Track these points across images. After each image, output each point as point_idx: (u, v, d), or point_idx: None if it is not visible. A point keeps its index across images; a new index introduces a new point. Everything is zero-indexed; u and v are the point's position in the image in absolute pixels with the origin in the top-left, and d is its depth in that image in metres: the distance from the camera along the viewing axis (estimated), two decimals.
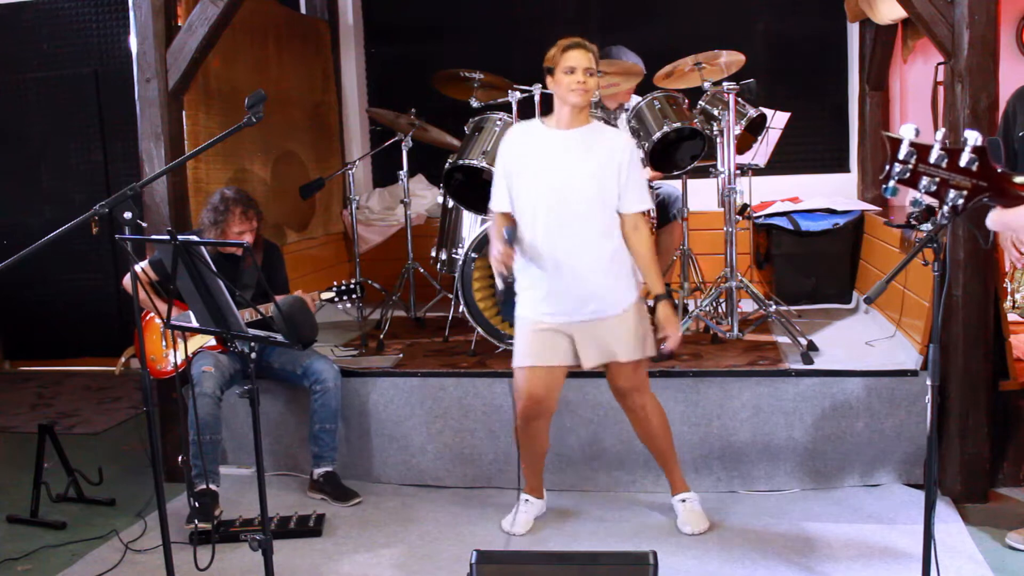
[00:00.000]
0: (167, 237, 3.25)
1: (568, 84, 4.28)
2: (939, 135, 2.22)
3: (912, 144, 2.22)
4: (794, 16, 7.92)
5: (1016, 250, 4.20)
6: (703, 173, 6.30)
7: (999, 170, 2.21)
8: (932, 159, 2.22)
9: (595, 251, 4.42)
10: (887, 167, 2.26)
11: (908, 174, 2.25)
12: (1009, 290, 4.34)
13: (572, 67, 4.27)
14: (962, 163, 2.20)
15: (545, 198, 4.40)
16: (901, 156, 2.24)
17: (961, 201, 2.23)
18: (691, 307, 6.25)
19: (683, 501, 4.80)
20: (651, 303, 4.53)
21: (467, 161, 5.84)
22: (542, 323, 4.48)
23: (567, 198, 4.37)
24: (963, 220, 2.56)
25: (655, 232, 6.33)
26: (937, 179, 2.23)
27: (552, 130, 4.45)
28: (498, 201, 4.58)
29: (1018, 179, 2.18)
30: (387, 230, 8.20)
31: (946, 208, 2.27)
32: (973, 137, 2.18)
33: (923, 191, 2.25)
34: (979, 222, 2.38)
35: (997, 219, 2.19)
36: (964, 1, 4.72)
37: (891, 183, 2.28)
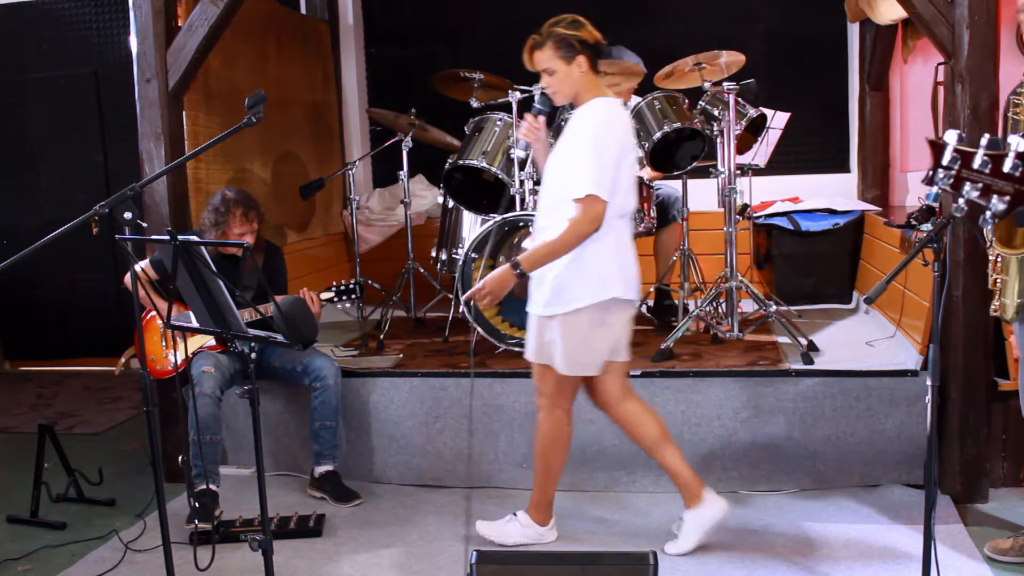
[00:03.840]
0: (167, 237, 3.24)
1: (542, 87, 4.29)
2: (984, 141, 2.22)
3: (956, 150, 2.22)
4: (794, 16, 7.93)
5: None
6: (703, 173, 6.27)
7: None
8: (976, 164, 2.22)
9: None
10: (930, 172, 2.26)
11: (952, 179, 2.25)
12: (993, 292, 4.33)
13: (537, 71, 4.23)
14: (1006, 168, 2.20)
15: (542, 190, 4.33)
16: (945, 162, 2.25)
17: (1004, 207, 2.23)
18: (691, 307, 6.24)
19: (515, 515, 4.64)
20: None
21: (467, 161, 5.85)
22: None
23: (543, 191, 4.30)
24: (965, 222, 2.54)
25: (655, 232, 6.43)
26: (980, 184, 2.23)
27: None
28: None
29: None
30: (387, 230, 8.20)
31: (988, 213, 2.27)
32: (1016, 143, 2.19)
33: (966, 196, 2.25)
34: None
35: None
36: (964, 1, 4.71)
37: (935, 189, 2.28)
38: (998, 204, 2.23)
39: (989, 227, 2.92)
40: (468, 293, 4.22)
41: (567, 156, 4.13)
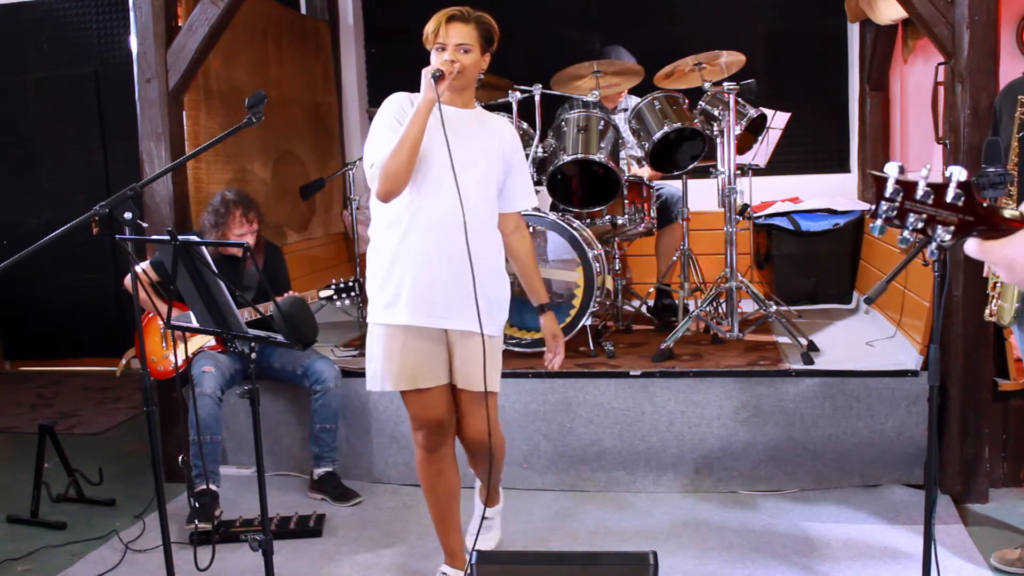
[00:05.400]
0: (167, 237, 3.24)
1: (436, 64, 3.71)
2: (924, 171, 2.21)
3: (897, 181, 2.21)
4: (794, 16, 7.92)
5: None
6: (703, 173, 6.27)
7: (985, 204, 2.21)
8: (918, 196, 2.21)
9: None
10: (874, 206, 2.25)
11: (895, 212, 2.24)
12: (988, 297, 4.31)
13: (444, 44, 3.73)
14: (948, 199, 2.18)
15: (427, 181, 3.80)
16: (887, 194, 2.24)
17: (949, 237, 2.21)
18: (691, 307, 6.23)
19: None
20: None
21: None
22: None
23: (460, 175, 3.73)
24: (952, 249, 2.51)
25: (656, 232, 6.45)
26: (924, 216, 2.22)
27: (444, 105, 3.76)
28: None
29: (1007, 213, 2.17)
30: None
31: (934, 244, 2.26)
32: (958, 172, 2.18)
33: (910, 228, 2.24)
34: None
35: (977, 249, 2.17)
36: (964, 1, 4.71)
37: (879, 221, 2.27)
38: (943, 235, 2.22)
39: (935, 257, 2.90)
40: (559, 364, 4.10)
41: (499, 159, 3.91)
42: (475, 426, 3.99)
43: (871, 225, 2.30)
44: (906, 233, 2.28)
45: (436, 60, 3.71)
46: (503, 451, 4.32)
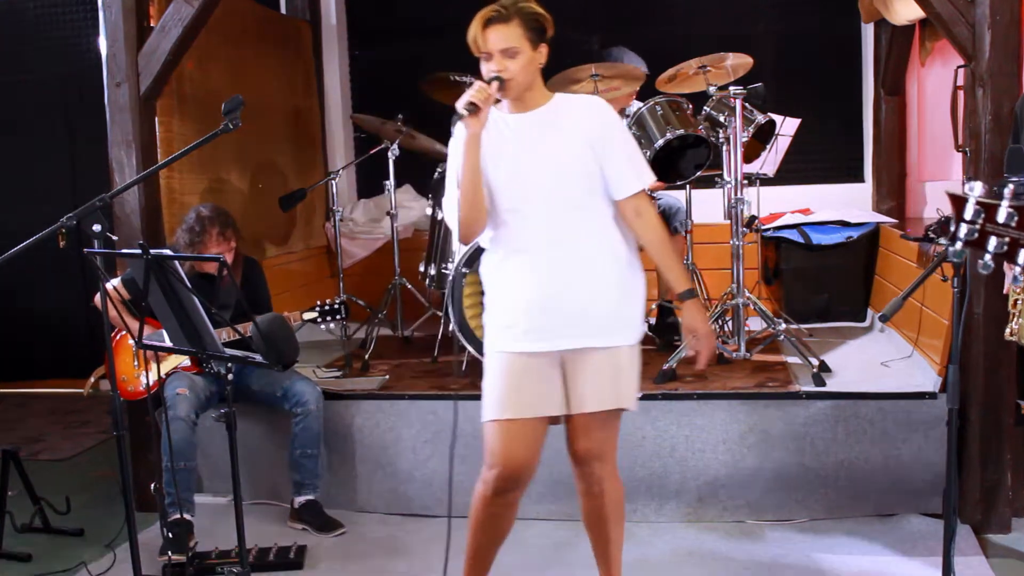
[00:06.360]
0: (139, 251, 3.25)
1: (485, 76, 3.60)
2: (1007, 191, 2.20)
3: (978, 203, 2.20)
4: (805, 16, 7.95)
5: None
6: (708, 183, 6.21)
7: None
8: (1001, 218, 2.20)
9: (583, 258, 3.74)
10: (952, 228, 2.24)
11: (976, 235, 2.23)
12: (1010, 315, 4.32)
13: (488, 52, 3.59)
14: None
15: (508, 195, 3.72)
16: (968, 216, 2.22)
17: None
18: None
19: None
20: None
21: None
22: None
23: (532, 184, 3.68)
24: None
25: None
26: (1007, 239, 2.20)
27: (506, 115, 3.75)
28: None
29: None
30: (372, 244, 8.19)
31: (1018, 269, 2.24)
32: None
33: (992, 251, 2.22)
34: None
35: None
36: (985, 0, 4.71)
37: (959, 245, 2.25)
38: None
39: (1020, 284, 2.89)
40: (704, 363, 3.87)
41: (584, 148, 3.67)
42: (586, 444, 3.86)
43: (950, 249, 2.29)
44: (988, 258, 2.27)
45: (484, 70, 3.59)
46: (621, 508, 4.07)
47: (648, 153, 5.74)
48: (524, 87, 3.62)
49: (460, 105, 3.47)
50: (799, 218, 7.35)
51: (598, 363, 3.72)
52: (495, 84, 3.52)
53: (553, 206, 3.63)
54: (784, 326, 5.82)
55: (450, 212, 3.69)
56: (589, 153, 3.66)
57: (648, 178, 3.77)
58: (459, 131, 3.63)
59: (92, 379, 5.73)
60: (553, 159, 3.66)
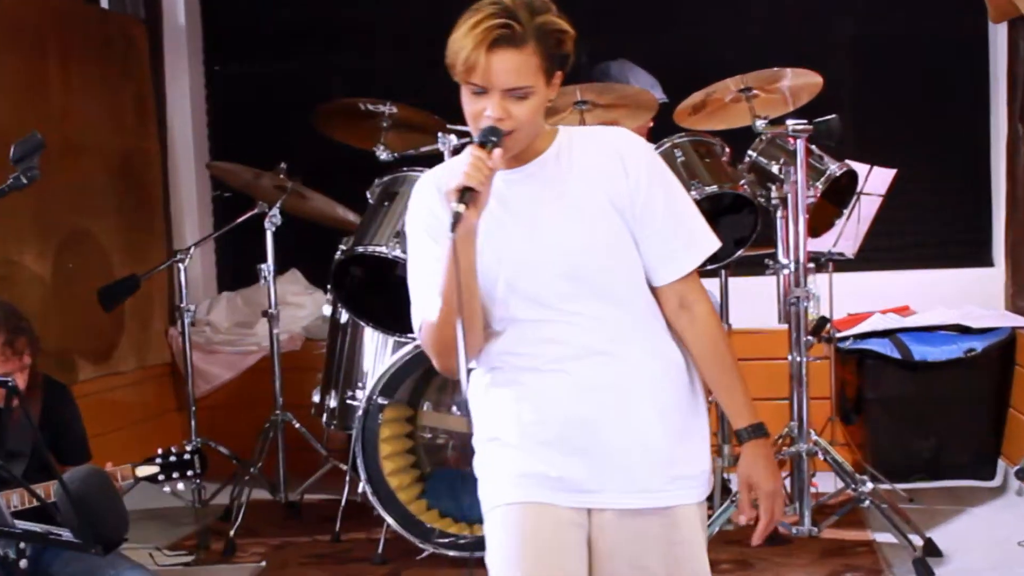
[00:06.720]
0: None
1: (473, 115, 2.92)
2: None
3: None
4: (900, 15, 6.88)
5: None
6: (755, 267, 5.63)
7: None
8: None
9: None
10: None
11: None
12: None
13: (481, 87, 2.90)
14: None
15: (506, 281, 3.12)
16: None
17: None
18: (733, 484, 5.57)
19: None
20: None
21: (371, 248, 5.29)
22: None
23: (544, 266, 3.07)
24: None
25: None
26: None
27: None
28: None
29: None
30: (241, 360, 7.29)
31: None
32: None
33: None
34: None
35: None
36: None
37: None
38: None
39: None
40: (762, 536, 3.12)
41: (606, 211, 3.04)
42: None
43: None
44: None
45: (469, 105, 2.90)
46: None
47: None
48: (529, 139, 3.01)
49: (451, 193, 2.83)
50: (894, 321, 6.50)
51: (645, 532, 3.07)
52: (496, 152, 2.86)
53: (572, 305, 3.01)
54: (871, 487, 5.21)
55: (424, 333, 3.10)
56: (617, 220, 3.04)
57: (705, 247, 3.15)
58: (430, 192, 3.10)
59: None
60: (565, 235, 3.04)
